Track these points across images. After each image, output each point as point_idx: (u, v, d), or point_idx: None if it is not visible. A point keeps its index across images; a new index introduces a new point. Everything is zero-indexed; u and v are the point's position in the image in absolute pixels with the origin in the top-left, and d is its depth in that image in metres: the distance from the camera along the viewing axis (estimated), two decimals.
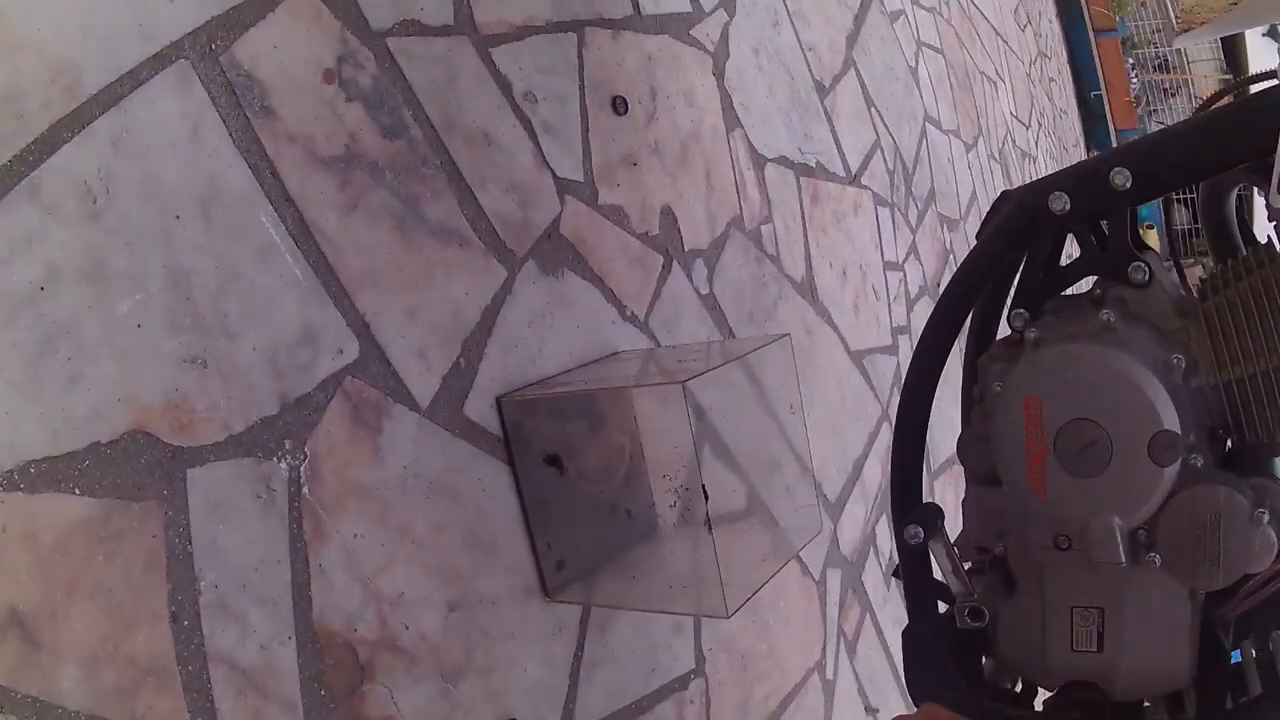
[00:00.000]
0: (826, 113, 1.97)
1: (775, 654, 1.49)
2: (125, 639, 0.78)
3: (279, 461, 0.92)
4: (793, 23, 1.93)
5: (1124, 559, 0.85)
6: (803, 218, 1.79)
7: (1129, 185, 0.85)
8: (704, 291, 1.47)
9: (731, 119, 1.64)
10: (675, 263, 1.42)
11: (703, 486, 0.99)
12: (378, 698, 0.96)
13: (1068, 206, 0.89)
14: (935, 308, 0.94)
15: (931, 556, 0.96)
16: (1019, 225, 0.91)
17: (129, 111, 0.89)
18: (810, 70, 1.95)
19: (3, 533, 0.72)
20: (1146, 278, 0.86)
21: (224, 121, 0.96)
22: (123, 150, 0.88)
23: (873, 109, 2.18)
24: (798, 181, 1.80)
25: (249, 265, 0.95)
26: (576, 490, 1.15)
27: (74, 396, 0.79)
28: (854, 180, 2.00)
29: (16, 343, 0.77)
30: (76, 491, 0.77)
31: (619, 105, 1.37)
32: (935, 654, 0.96)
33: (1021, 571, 0.93)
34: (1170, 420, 0.83)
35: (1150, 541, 0.85)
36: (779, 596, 1.65)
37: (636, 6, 1.48)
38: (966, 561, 0.99)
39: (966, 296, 0.94)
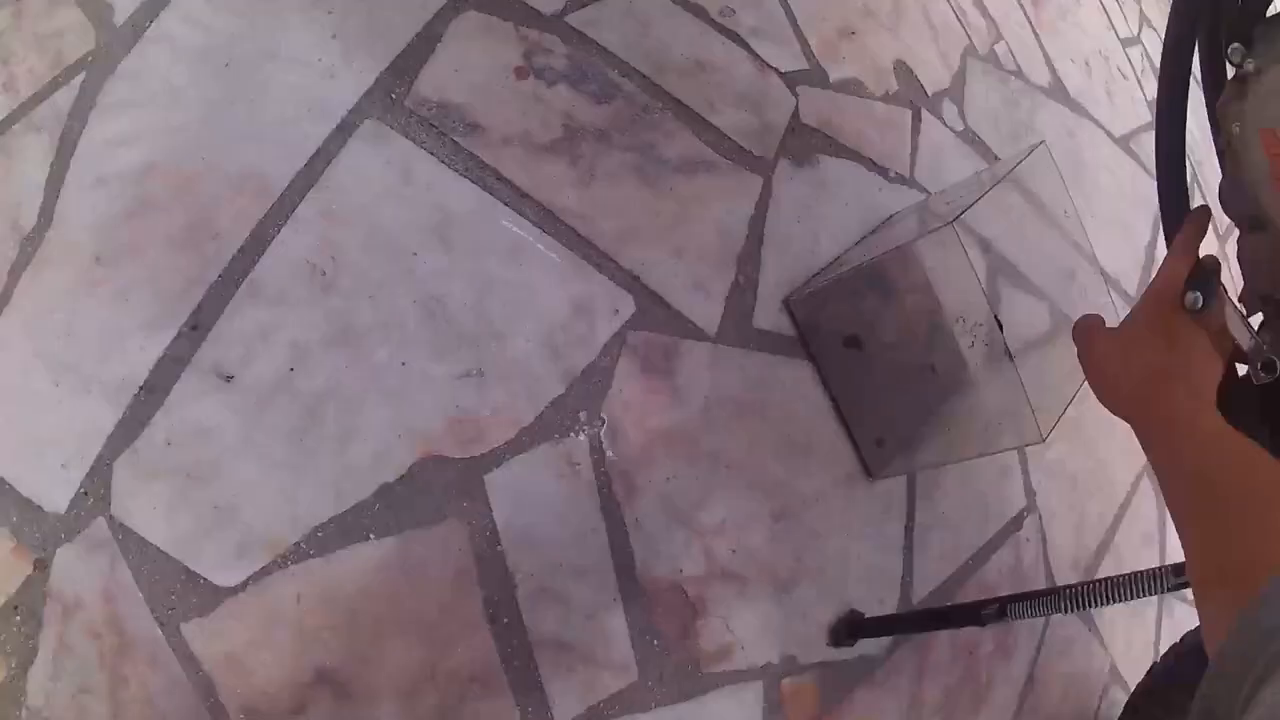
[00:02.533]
0: None
1: (1103, 468, 1.21)
2: (444, 658, 0.67)
3: (577, 435, 0.82)
4: None
5: None
6: (1030, 26, 1.46)
7: None
8: (959, 128, 1.21)
9: None
10: (924, 111, 1.18)
11: (995, 318, 0.77)
12: (712, 631, 0.81)
13: None
14: (1165, 33, 0.70)
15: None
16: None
17: (330, 185, 0.83)
18: None
19: (298, 602, 0.62)
20: None
21: (432, 154, 0.88)
22: (336, 220, 0.81)
23: None
24: None
25: (502, 268, 0.86)
26: (881, 362, 0.97)
27: (351, 451, 0.69)
28: None
29: (276, 427, 0.67)
30: (371, 536, 0.67)
31: None
32: (1241, 412, 0.69)
33: None
34: None
35: None
36: (1099, 405, 1.35)
37: None
38: (1253, 314, 0.70)
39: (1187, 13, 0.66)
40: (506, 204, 0.87)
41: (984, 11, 1.36)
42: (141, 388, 0.73)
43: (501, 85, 0.92)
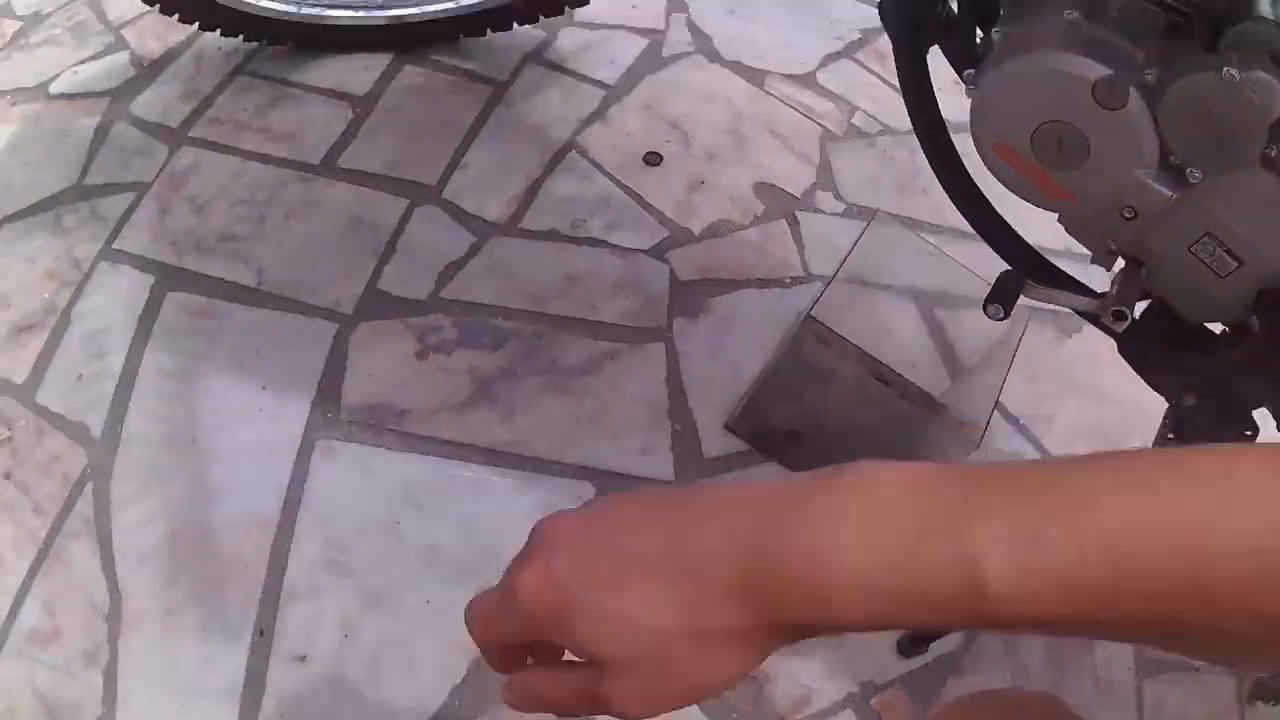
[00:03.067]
0: None
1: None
2: None
3: None
4: None
5: (1171, 194, 0.87)
6: (884, 82, 1.70)
7: None
8: (840, 209, 1.57)
9: (755, 75, 1.73)
10: (797, 212, 1.55)
11: (879, 378, 1.15)
12: (783, 690, 1.01)
13: None
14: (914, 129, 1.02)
15: None
16: (905, 23, 0.99)
17: (312, 499, 1.17)
18: None
19: None
20: None
21: (378, 446, 1.21)
22: (327, 522, 1.16)
23: None
24: (855, 61, 1.72)
25: (471, 505, 1.18)
26: (822, 442, 1.25)
27: (418, 676, 1.10)
28: None
29: (354, 679, 1.09)
30: None
31: (652, 159, 1.42)
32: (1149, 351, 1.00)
33: (1135, 255, 0.97)
34: (1093, 69, 0.85)
35: (1179, 164, 0.86)
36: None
37: (603, 84, 1.61)
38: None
39: (922, 98, 1.01)
40: (453, 458, 1.22)
41: (829, 94, 1.70)
42: (244, 685, 1.07)
43: (410, 371, 1.30)
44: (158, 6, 1.48)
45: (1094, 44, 0.88)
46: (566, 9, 1.55)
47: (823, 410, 1.25)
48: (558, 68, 1.64)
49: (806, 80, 1.70)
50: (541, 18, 1.58)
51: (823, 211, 1.53)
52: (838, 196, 1.55)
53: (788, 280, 1.42)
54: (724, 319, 1.36)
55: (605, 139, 1.55)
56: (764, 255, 1.45)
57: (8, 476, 1.21)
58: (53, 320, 1.33)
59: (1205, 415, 1.01)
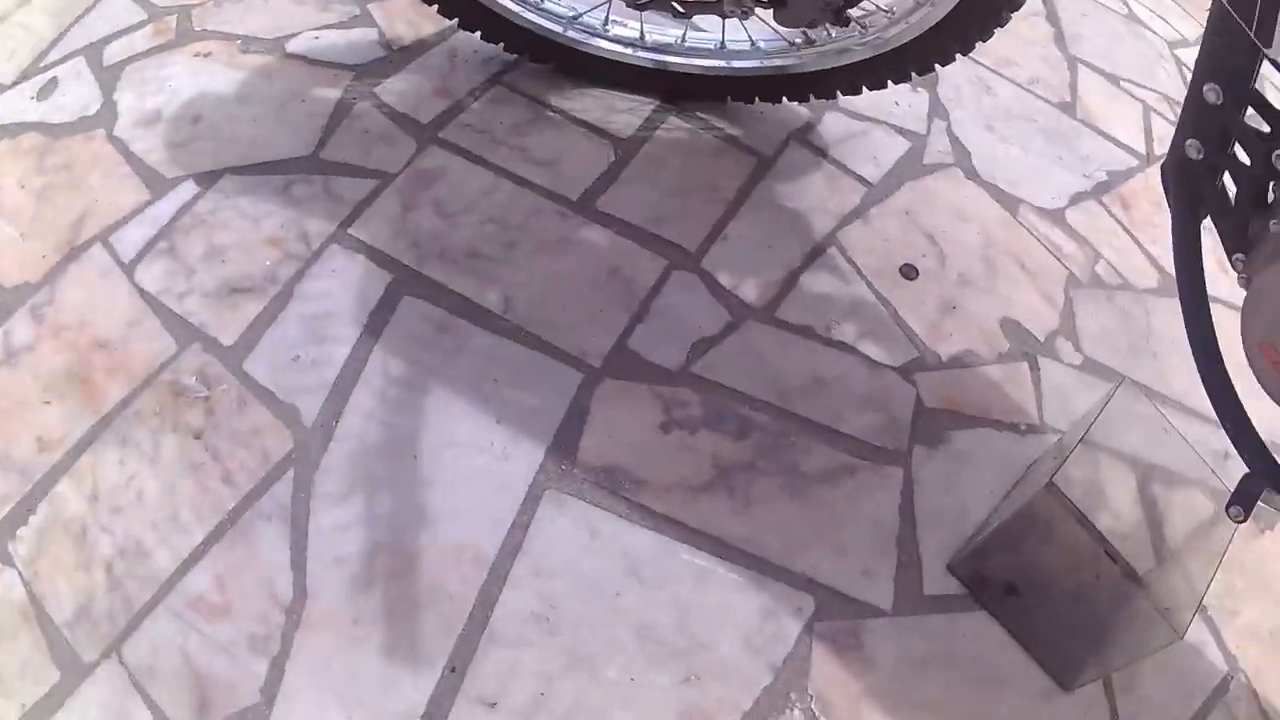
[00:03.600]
0: (1085, 121, 1.92)
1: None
2: None
3: (792, 711, 1.18)
4: (1002, 75, 1.92)
5: None
6: (1125, 230, 1.76)
7: (1219, 100, 0.97)
8: (1078, 362, 1.59)
9: (1009, 201, 1.81)
10: (1039, 357, 1.59)
11: (1106, 552, 1.18)
12: None
13: (1202, 152, 1.01)
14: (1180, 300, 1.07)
15: None
16: (1184, 190, 1.04)
17: (532, 548, 1.24)
18: (1045, 99, 1.91)
19: None
20: None
21: (609, 511, 1.28)
22: (545, 575, 1.22)
23: (1121, 83, 2.07)
24: (1101, 205, 1.76)
25: (692, 593, 1.24)
26: (1044, 596, 1.30)
27: None
28: (1150, 159, 1.90)
29: None
30: None
31: (908, 272, 1.46)
32: None
33: None
34: None
35: None
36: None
37: (865, 180, 1.71)
38: None
39: (1192, 272, 1.07)
40: (683, 541, 1.28)
41: (1076, 236, 1.80)
42: (422, 717, 1.12)
43: (653, 441, 1.36)
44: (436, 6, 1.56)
45: None
46: (839, 94, 1.61)
47: (1043, 570, 1.31)
48: (822, 154, 1.71)
49: (1056, 217, 1.76)
50: (812, 97, 1.65)
51: (1061, 361, 1.58)
52: (1077, 347, 1.61)
53: (1023, 427, 1.48)
54: (960, 454, 1.42)
55: (864, 240, 1.61)
56: (1003, 396, 1.51)
57: (198, 436, 1.28)
58: (274, 290, 1.39)
59: None
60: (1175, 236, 1.08)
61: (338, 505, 1.22)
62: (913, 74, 1.49)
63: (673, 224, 1.54)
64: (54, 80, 1.66)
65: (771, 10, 1.40)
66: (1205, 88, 0.99)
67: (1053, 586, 1.31)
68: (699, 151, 1.66)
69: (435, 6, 1.56)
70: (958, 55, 1.42)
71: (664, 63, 1.65)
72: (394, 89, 1.65)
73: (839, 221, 1.62)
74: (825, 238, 1.59)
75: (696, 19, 1.61)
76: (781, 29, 1.53)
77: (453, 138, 1.59)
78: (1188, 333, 1.08)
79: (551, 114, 1.66)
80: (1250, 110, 0.99)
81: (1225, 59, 0.98)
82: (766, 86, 1.64)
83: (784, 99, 1.65)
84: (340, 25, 1.73)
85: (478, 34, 1.62)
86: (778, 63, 1.60)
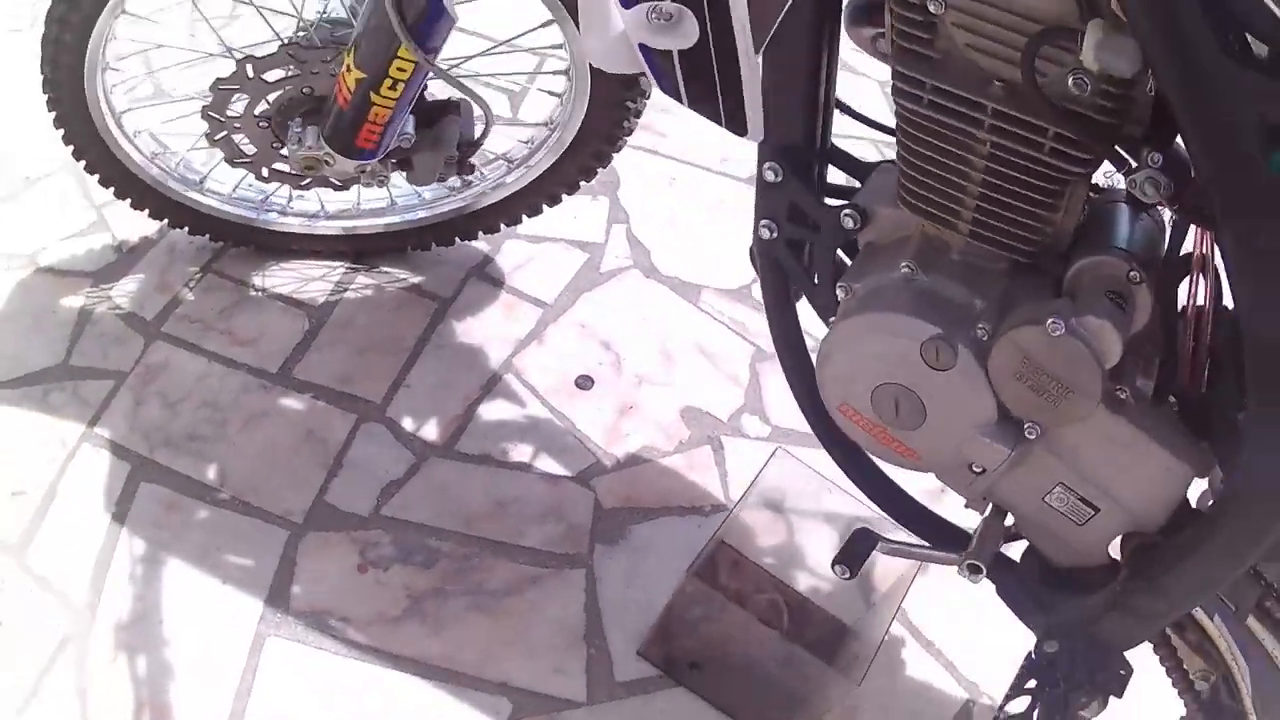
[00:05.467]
0: None
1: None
2: None
3: None
4: (689, 162, 2.41)
5: (1010, 449, 1.19)
6: None
7: (779, 178, 1.23)
8: (766, 433, 2.06)
9: (690, 291, 2.26)
10: (723, 437, 2.05)
11: (761, 619, 1.67)
12: None
13: (774, 230, 1.29)
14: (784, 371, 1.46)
15: None
16: (768, 270, 1.36)
17: (260, 690, 1.67)
18: (735, 176, 2.38)
19: None
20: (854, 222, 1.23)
21: (320, 649, 1.71)
22: (275, 714, 1.72)
23: None
24: None
25: (396, 713, 1.68)
26: (724, 668, 1.72)
27: None
28: None
29: None
30: None
31: (583, 383, 1.95)
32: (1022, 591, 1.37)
33: (997, 503, 1.35)
34: (920, 330, 1.16)
35: (1015, 419, 1.16)
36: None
37: (541, 302, 2.13)
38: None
39: (790, 341, 1.43)
40: (386, 666, 1.72)
41: (760, 307, 2.13)
42: None
43: (352, 582, 1.81)
44: (128, 201, 2.02)
45: (925, 300, 1.14)
46: (504, 226, 2.09)
47: (715, 645, 1.73)
48: (499, 284, 2.19)
49: (741, 295, 2.24)
50: (481, 234, 2.13)
51: (747, 436, 2.04)
52: (764, 419, 2.07)
53: (707, 509, 1.92)
54: (642, 546, 1.86)
55: (539, 361, 2.08)
56: (686, 483, 1.95)
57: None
58: (41, 490, 1.84)
59: (1071, 657, 1.29)
60: (769, 313, 1.41)
61: (109, 670, 1.64)
62: (563, 195, 2.00)
63: (360, 381, 2.01)
64: None
65: (404, 175, 1.90)
66: (764, 167, 1.23)
67: (727, 659, 1.74)
68: (383, 306, 2.13)
69: (146, 211, 2.05)
70: (595, 170, 1.95)
71: (346, 227, 2.13)
72: (125, 289, 2.11)
73: (515, 347, 2.09)
74: (501, 365, 2.06)
75: None
76: (416, 187, 2.03)
77: (172, 330, 2.06)
78: (795, 398, 1.43)
79: (254, 293, 2.13)
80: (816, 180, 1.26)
81: (783, 139, 1.23)
82: (438, 232, 2.12)
83: (457, 239, 2.14)
84: (80, 233, 2.19)
85: (184, 229, 2.10)
86: (445, 208, 2.09)
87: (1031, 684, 1.33)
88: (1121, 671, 1.30)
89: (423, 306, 2.14)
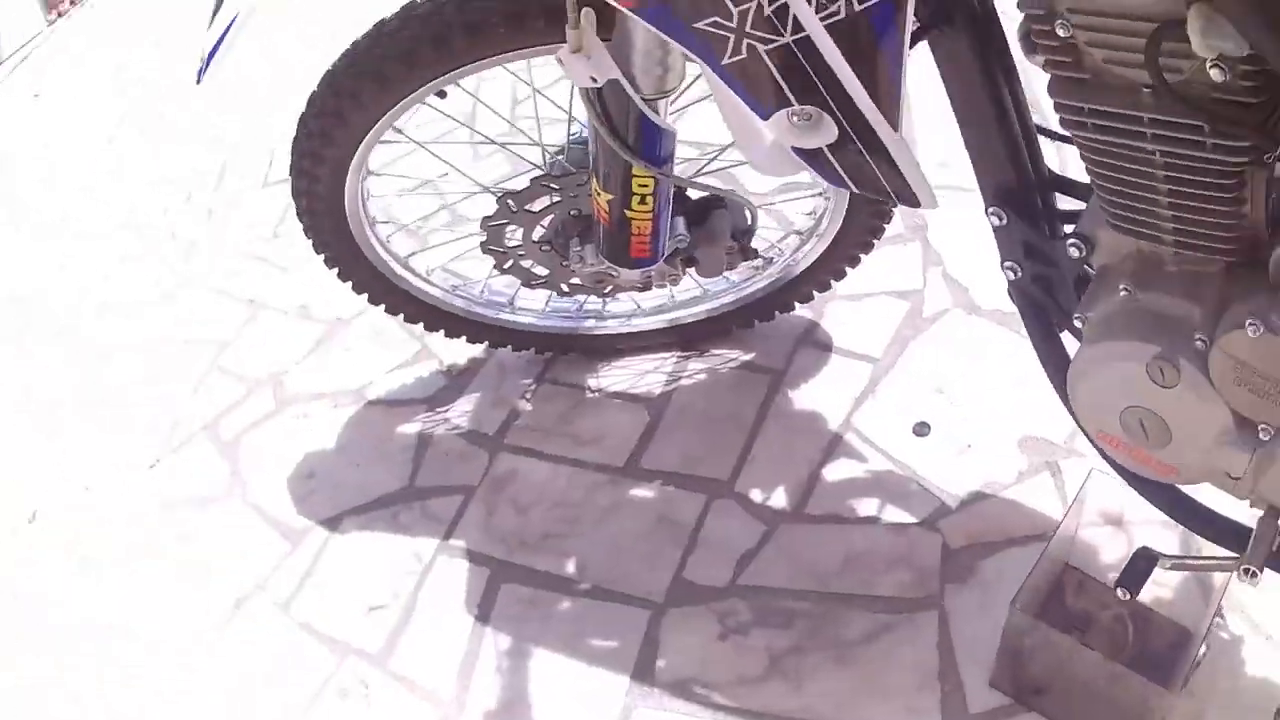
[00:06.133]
0: None
1: None
2: None
3: None
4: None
5: (1250, 453, 1.28)
6: None
7: (1004, 221, 1.43)
8: None
9: (1011, 318, 2.30)
10: (1060, 461, 2.18)
11: (1084, 643, 1.74)
12: None
13: (1018, 270, 1.49)
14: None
15: None
16: (1026, 308, 1.55)
17: None
18: None
19: None
20: (1080, 251, 1.36)
21: (688, 715, 1.99)
22: None
23: None
24: None
25: None
26: (1067, 693, 1.84)
27: None
28: None
29: None
30: None
31: (920, 430, 2.21)
32: None
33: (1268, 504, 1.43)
34: (1142, 352, 1.28)
35: (1250, 422, 1.27)
36: None
37: (870, 358, 2.36)
38: None
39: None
40: None
41: None
42: None
43: (714, 650, 2.03)
44: (442, 331, 2.34)
45: (1143, 320, 1.24)
46: (816, 293, 2.30)
47: (1058, 665, 1.84)
48: (828, 347, 2.40)
49: None
50: (798, 304, 2.34)
51: (1083, 455, 2.14)
52: None
53: (1049, 533, 2.04)
54: (992, 580, 2.00)
55: (876, 415, 2.27)
56: (1027, 513, 2.07)
57: None
58: (400, 602, 2.16)
59: None
60: (1036, 348, 1.56)
61: None
62: (860, 255, 2.21)
63: (706, 461, 2.25)
64: (183, 459, 2.51)
65: (695, 269, 2.14)
66: (989, 213, 1.39)
67: (1066, 682, 1.85)
68: (719, 387, 2.37)
69: (464, 338, 2.37)
70: (881, 226, 2.14)
71: (668, 320, 2.40)
72: (461, 409, 2.45)
73: (851, 405, 2.29)
74: (840, 425, 2.26)
75: None
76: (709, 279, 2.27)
77: (515, 441, 2.37)
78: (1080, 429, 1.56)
79: (591, 395, 2.42)
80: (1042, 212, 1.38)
81: (996, 183, 1.38)
82: (756, 310, 2.36)
83: (776, 314, 2.37)
84: (405, 365, 2.56)
85: (508, 348, 2.44)
86: (754, 288, 2.33)
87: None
88: None
89: (758, 381, 2.37)
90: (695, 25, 1.22)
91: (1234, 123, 1.05)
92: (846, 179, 1.39)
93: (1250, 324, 1.13)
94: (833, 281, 2.28)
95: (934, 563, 2.06)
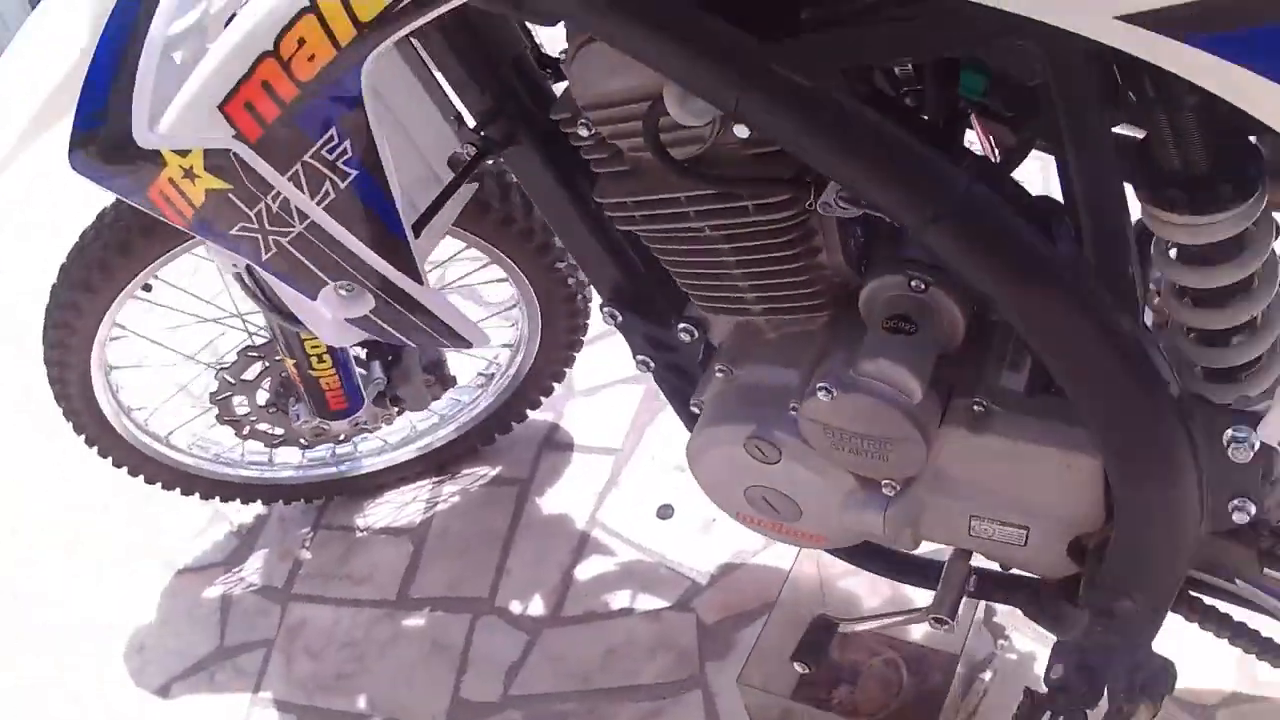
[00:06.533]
0: None
1: None
2: None
3: None
4: None
5: (881, 512, 1.28)
6: None
7: (620, 319, 1.45)
8: None
9: None
10: None
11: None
12: None
13: (649, 364, 1.48)
14: None
15: None
16: (673, 401, 1.56)
17: None
18: None
19: None
20: (690, 335, 1.37)
21: None
22: None
23: None
24: None
25: None
26: None
27: None
28: None
29: None
30: None
31: (664, 512, 2.29)
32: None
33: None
34: (736, 434, 1.28)
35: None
36: None
37: (610, 449, 2.44)
38: None
39: None
40: None
41: None
42: None
43: None
44: (216, 498, 2.41)
45: (737, 399, 1.25)
46: (541, 398, 2.37)
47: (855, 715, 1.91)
48: (569, 446, 2.46)
49: None
50: (529, 412, 2.40)
51: None
52: None
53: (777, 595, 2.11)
54: (750, 649, 2.05)
55: (621, 505, 2.33)
56: (779, 573, 2.11)
57: None
58: None
59: (1093, 673, 1.30)
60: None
61: None
62: (573, 354, 2.30)
63: (467, 581, 2.30)
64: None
65: (401, 411, 2.23)
66: (604, 310, 1.42)
67: None
68: (472, 506, 2.43)
69: (237, 500, 2.43)
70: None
71: (419, 448, 2.45)
72: (254, 566, 2.48)
73: (596, 501, 2.35)
74: (587, 523, 2.32)
75: None
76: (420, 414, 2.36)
77: (302, 590, 2.40)
78: None
79: (361, 534, 2.47)
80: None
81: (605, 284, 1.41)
82: (495, 423, 2.41)
83: (512, 425, 2.42)
84: (202, 531, 2.57)
85: (282, 503, 2.49)
86: (485, 404, 2.38)
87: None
88: (1161, 667, 1.30)
89: (506, 494, 2.43)
90: (231, 233, 1.28)
91: (762, 181, 1.06)
92: (400, 336, 1.47)
93: (821, 389, 1.12)
94: (554, 384, 2.36)
95: (691, 642, 2.11)
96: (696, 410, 1.36)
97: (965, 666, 1.88)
